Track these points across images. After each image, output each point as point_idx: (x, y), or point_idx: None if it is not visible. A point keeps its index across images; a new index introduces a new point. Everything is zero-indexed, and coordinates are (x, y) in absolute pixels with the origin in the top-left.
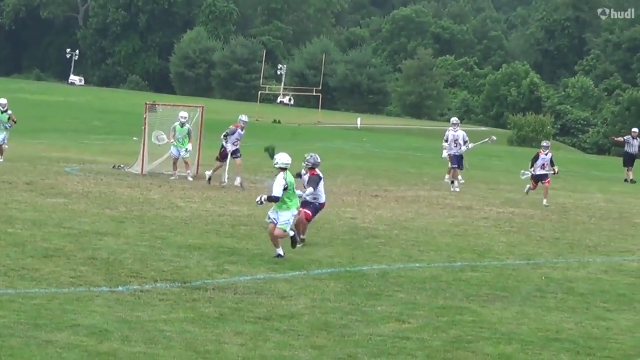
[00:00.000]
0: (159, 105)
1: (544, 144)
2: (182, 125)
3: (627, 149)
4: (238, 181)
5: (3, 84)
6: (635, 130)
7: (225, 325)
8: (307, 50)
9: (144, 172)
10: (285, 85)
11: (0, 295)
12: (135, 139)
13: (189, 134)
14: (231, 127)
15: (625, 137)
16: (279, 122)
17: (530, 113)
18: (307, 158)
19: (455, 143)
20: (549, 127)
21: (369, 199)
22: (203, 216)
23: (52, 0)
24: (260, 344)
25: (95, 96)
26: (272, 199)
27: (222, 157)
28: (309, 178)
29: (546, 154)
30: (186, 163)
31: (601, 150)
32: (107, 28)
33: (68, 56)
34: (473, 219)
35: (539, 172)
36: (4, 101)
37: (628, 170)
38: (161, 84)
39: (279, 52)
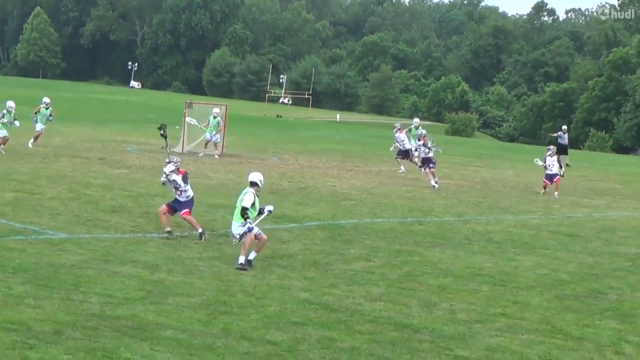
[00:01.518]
0: (194, 103)
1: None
2: (215, 117)
3: (559, 141)
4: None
5: (82, 87)
6: (564, 127)
7: None
8: (302, 64)
9: (183, 151)
10: (285, 89)
11: (80, 238)
12: (177, 127)
13: (218, 124)
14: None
15: (558, 133)
16: (281, 117)
17: (461, 112)
18: (174, 160)
19: (400, 142)
20: (474, 122)
21: (345, 172)
22: (226, 183)
23: (118, 27)
24: (267, 275)
25: (149, 96)
26: (243, 210)
27: None
28: (183, 177)
29: (552, 157)
30: (215, 145)
31: (512, 139)
32: (157, 47)
33: (129, 67)
34: (420, 187)
35: (550, 171)
36: (47, 100)
37: (560, 157)
38: (196, 88)
39: (281, 66)
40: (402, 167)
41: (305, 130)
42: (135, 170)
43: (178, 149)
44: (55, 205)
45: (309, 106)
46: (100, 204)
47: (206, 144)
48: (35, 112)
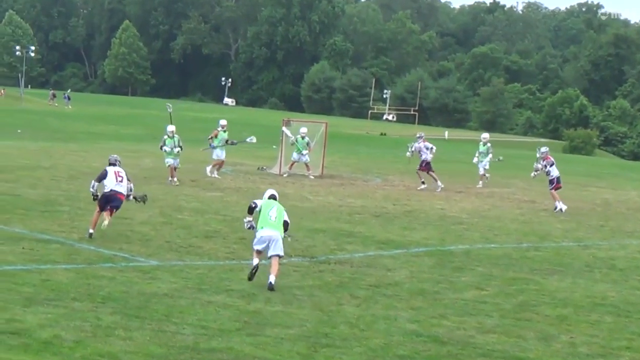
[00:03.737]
0: (292, 120)
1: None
2: (303, 137)
3: None
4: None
5: (174, 105)
6: None
7: (344, 291)
8: (407, 78)
9: (281, 173)
10: (389, 105)
11: (172, 265)
12: (274, 147)
13: (307, 144)
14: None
15: None
16: (385, 135)
17: (580, 128)
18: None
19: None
20: (594, 139)
21: (454, 194)
22: (326, 206)
23: (211, 40)
24: (371, 305)
25: (244, 114)
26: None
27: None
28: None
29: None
30: (307, 166)
31: (636, 157)
32: (252, 61)
33: (223, 83)
34: (535, 210)
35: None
36: (224, 122)
37: None
38: (294, 104)
39: (384, 80)
40: (423, 182)
41: None
42: (229, 192)
43: (275, 170)
44: (145, 231)
45: (414, 123)
46: (193, 229)
47: (292, 164)
48: (212, 138)
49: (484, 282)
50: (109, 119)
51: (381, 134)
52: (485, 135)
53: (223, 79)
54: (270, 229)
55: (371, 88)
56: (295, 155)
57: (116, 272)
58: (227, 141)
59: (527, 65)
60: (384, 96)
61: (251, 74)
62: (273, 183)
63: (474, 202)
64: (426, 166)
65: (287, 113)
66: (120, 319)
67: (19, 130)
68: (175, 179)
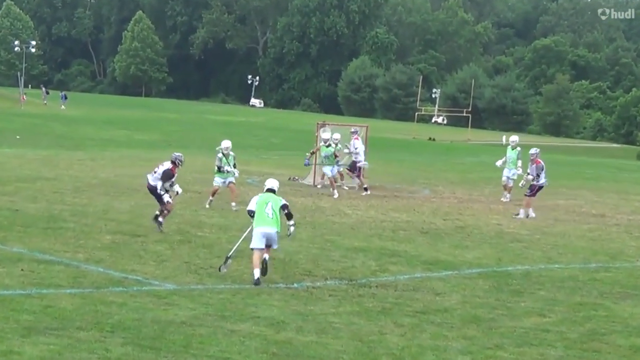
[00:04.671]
0: (328, 124)
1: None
2: (328, 145)
3: None
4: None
5: (193, 107)
6: None
7: (387, 318)
8: (458, 75)
9: (315, 183)
10: (438, 106)
11: (191, 290)
12: (307, 154)
13: (334, 154)
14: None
15: None
16: (434, 140)
17: None
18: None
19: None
20: None
21: (513, 207)
22: (367, 222)
23: (235, 33)
24: (418, 334)
25: (273, 116)
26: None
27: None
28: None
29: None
30: (341, 175)
31: None
32: (283, 57)
33: (249, 82)
34: (606, 225)
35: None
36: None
37: None
38: (330, 106)
39: (433, 77)
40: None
41: (464, 156)
42: None
43: (308, 180)
44: (161, 250)
45: (467, 126)
46: (215, 248)
47: (323, 176)
48: (312, 153)
49: (547, 308)
50: (120, 122)
51: (429, 139)
52: (514, 138)
53: (249, 77)
54: (267, 226)
55: (418, 87)
56: (326, 170)
57: (127, 297)
58: (289, 178)
59: (597, 60)
60: (433, 96)
61: (281, 72)
62: (306, 195)
63: (536, 216)
64: (353, 167)
65: (323, 116)
66: (132, 351)
67: (17, 137)
68: (233, 204)
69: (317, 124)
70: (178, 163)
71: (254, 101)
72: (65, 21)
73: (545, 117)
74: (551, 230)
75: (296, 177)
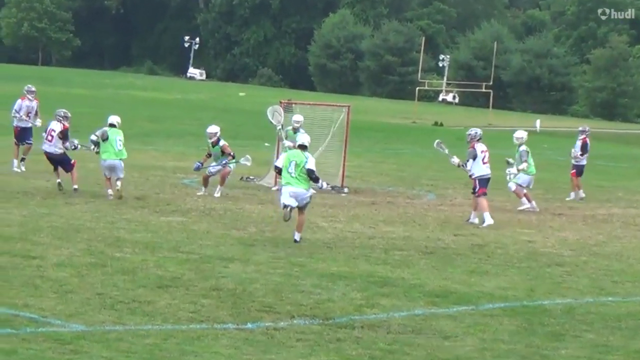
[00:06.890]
0: (294, 103)
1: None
2: (295, 130)
3: None
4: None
5: (109, 79)
6: None
7: None
8: (475, 37)
9: (277, 185)
10: (448, 79)
11: (107, 332)
12: (266, 144)
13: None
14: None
15: None
16: (441, 125)
17: None
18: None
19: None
20: None
21: (550, 218)
22: (349, 238)
23: None
24: None
25: (219, 92)
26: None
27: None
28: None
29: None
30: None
31: None
32: (233, 11)
33: (186, 45)
34: None
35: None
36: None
37: None
38: (298, 78)
39: (440, 40)
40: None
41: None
42: (196, 216)
43: (267, 180)
44: (64, 277)
45: (488, 107)
46: (138, 274)
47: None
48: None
49: (597, 356)
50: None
51: (435, 124)
52: (520, 135)
53: (187, 38)
54: (291, 186)
55: (419, 52)
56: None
57: (17, 342)
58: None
59: None
60: (440, 65)
61: (230, 31)
62: (265, 201)
63: (582, 230)
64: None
65: (288, 92)
66: None
67: None
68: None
69: (280, 102)
70: (65, 118)
71: (193, 71)
72: None
73: (594, 94)
74: (603, 250)
75: (251, 177)
